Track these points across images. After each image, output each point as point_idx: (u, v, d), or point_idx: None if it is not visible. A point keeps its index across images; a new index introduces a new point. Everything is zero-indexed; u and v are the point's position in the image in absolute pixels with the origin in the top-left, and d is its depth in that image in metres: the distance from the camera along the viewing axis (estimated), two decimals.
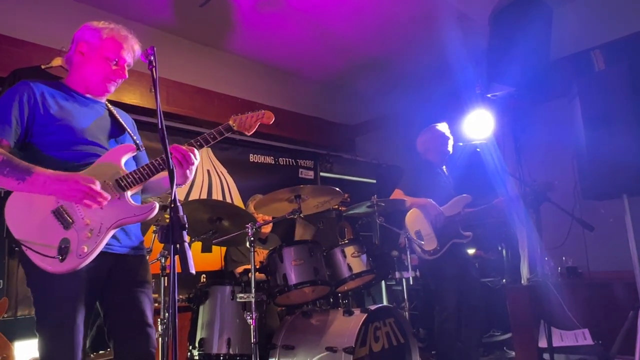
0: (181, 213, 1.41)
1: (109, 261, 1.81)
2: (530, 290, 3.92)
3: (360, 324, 2.69)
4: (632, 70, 2.84)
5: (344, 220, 5.35)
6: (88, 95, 1.95)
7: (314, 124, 5.61)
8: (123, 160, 1.84)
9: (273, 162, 5.29)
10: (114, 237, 1.80)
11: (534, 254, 4.09)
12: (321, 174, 5.77)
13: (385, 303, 5.01)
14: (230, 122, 2.05)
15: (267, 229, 3.94)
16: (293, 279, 2.83)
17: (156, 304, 3.06)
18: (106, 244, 1.75)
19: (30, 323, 1.73)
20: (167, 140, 1.52)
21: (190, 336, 2.92)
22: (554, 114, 4.19)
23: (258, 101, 4.92)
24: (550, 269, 3.91)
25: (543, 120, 4.32)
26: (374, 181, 6.27)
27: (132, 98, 3.87)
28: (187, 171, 1.86)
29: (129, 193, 1.79)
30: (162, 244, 2.49)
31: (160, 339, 2.81)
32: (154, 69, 1.62)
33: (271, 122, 2.14)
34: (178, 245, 1.37)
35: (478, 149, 3.82)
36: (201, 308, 2.93)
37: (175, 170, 1.58)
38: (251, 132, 2.09)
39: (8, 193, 1.72)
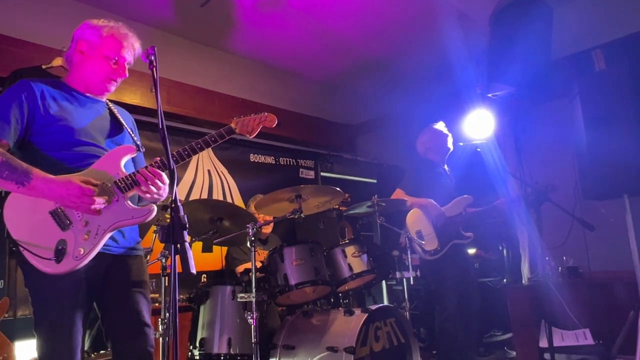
0: (182, 213, 1.41)
1: (106, 262, 1.81)
2: (531, 290, 3.92)
3: (361, 323, 2.69)
4: (633, 70, 2.84)
5: (345, 220, 5.35)
6: (88, 95, 1.94)
7: (315, 124, 5.61)
8: (122, 161, 1.84)
9: (274, 162, 5.30)
10: (111, 238, 1.80)
11: (534, 254, 4.09)
12: (322, 173, 5.78)
13: (386, 303, 5.00)
14: (232, 125, 2.03)
15: (267, 229, 3.95)
16: (294, 278, 2.83)
17: (157, 304, 3.07)
18: (103, 245, 1.75)
19: (31, 323, 1.72)
20: (167, 141, 1.52)
21: (191, 336, 2.92)
22: (554, 114, 4.18)
23: (258, 101, 4.92)
24: (551, 269, 3.91)
25: (544, 120, 4.31)
26: (375, 181, 6.27)
27: (133, 98, 3.87)
28: (156, 195, 1.80)
29: (127, 195, 1.79)
30: (163, 244, 2.48)
31: (160, 338, 2.81)
32: (154, 68, 1.61)
33: (274, 125, 2.11)
34: (179, 245, 1.37)
35: (479, 149, 3.81)
36: (202, 308, 2.93)
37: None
38: (253, 135, 2.07)
39: (8, 192, 1.72)
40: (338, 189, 2.99)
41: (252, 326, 2.60)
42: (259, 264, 2.96)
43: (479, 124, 3.96)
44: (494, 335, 4.70)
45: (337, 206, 4.81)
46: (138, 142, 1.98)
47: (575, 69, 4.00)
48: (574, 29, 4.10)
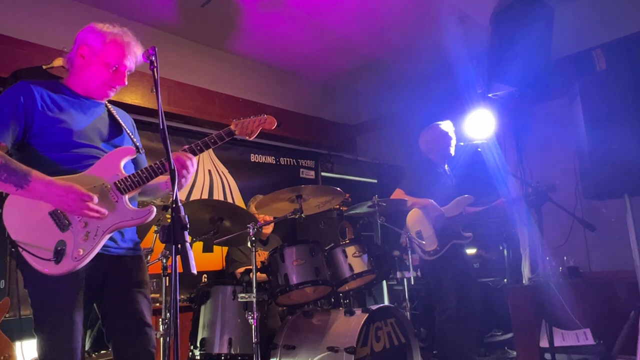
0: (183, 213, 1.41)
1: (106, 262, 1.81)
2: (531, 290, 3.92)
3: (362, 323, 2.69)
4: (633, 70, 2.84)
5: (345, 220, 5.35)
6: (87, 97, 1.94)
7: (315, 124, 5.61)
8: (122, 163, 1.84)
9: (274, 162, 5.30)
10: (110, 239, 1.80)
11: (535, 254, 4.09)
12: (322, 173, 5.78)
13: (386, 303, 5.00)
14: (232, 127, 2.03)
15: (268, 229, 3.94)
16: (294, 279, 2.83)
17: (157, 304, 3.07)
18: (103, 246, 1.75)
19: (32, 323, 1.72)
20: (168, 141, 1.52)
21: (192, 336, 2.92)
22: (555, 114, 4.18)
23: (259, 101, 4.92)
24: (551, 269, 3.90)
25: (544, 120, 4.31)
26: (375, 181, 6.27)
27: (134, 98, 3.88)
28: (183, 179, 1.86)
29: (127, 196, 1.79)
30: (164, 244, 2.48)
31: (161, 338, 2.81)
32: (155, 69, 1.61)
33: (273, 128, 2.11)
34: (179, 245, 1.37)
35: (479, 149, 3.81)
36: (202, 308, 2.93)
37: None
38: (252, 137, 2.07)
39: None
40: (338, 189, 2.99)
41: (253, 326, 2.61)
42: (259, 264, 2.96)
43: (480, 124, 3.97)
44: (494, 335, 4.70)
45: (337, 206, 4.81)
46: (138, 144, 1.98)
47: (576, 68, 4.00)
48: (574, 29, 4.10)
